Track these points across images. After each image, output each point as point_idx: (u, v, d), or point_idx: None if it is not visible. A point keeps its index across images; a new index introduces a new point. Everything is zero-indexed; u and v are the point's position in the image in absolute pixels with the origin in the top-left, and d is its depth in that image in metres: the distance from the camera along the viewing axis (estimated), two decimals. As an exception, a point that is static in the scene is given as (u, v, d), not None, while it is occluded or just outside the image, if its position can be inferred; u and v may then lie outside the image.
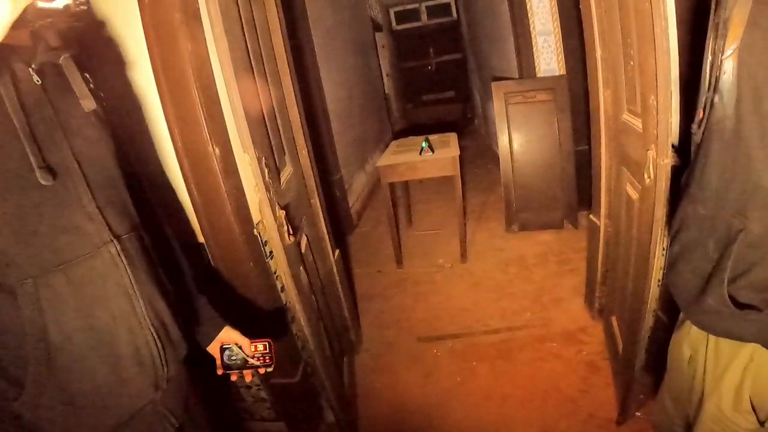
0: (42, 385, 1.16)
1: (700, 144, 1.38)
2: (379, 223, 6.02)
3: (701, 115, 1.36)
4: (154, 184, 2.24)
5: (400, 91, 12.22)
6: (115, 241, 1.26)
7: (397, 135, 6.19)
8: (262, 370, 1.63)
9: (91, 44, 1.98)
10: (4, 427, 1.19)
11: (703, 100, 1.33)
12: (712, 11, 1.25)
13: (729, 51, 1.19)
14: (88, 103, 1.29)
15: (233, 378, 1.67)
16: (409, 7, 11.95)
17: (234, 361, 1.61)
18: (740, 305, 1.26)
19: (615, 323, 2.90)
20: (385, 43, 11.11)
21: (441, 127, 5.63)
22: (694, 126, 1.39)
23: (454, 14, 11.89)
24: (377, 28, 10.23)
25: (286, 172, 2.60)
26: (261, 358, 1.61)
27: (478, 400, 2.95)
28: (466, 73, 11.93)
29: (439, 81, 12.85)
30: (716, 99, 1.26)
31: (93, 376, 1.23)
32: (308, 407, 2.88)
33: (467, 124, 11.31)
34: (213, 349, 1.65)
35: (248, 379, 1.72)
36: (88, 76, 1.33)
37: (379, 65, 10.07)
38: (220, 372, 1.64)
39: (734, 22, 1.18)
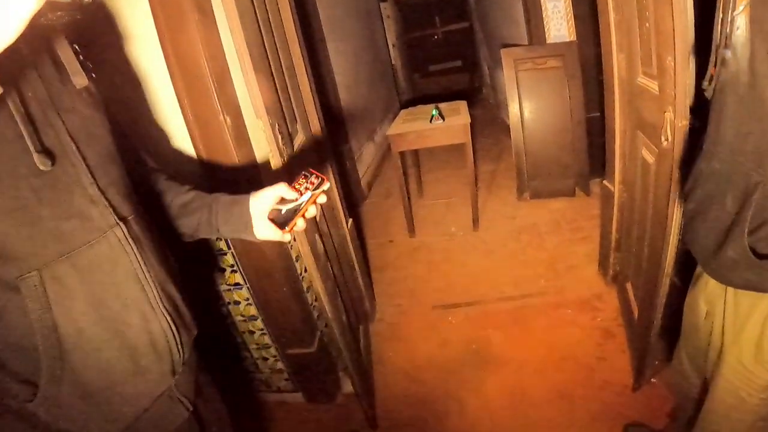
0: (57, 383, 1.11)
1: (712, 100, 1.38)
2: (389, 194, 6.02)
3: (713, 71, 1.35)
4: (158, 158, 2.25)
5: (406, 62, 12.12)
6: (121, 223, 1.19)
7: (405, 105, 6.16)
8: (322, 194, 1.39)
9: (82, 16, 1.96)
10: (21, 428, 1.14)
11: (714, 57, 1.33)
12: None
13: (741, 7, 1.19)
14: (80, 80, 1.21)
15: (301, 225, 1.41)
16: (415, -25, 11.84)
17: (288, 212, 1.37)
18: (760, 256, 1.26)
19: (630, 289, 2.90)
20: (391, 14, 10.99)
21: (449, 96, 5.59)
22: (705, 82, 1.39)
23: (461, -18, 11.77)
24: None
25: (299, 140, 2.58)
26: (310, 186, 1.37)
27: (493, 367, 2.96)
28: (474, 43, 11.82)
29: (446, 51, 12.77)
30: (728, 55, 1.25)
31: (109, 368, 1.18)
32: (325, 377, 2.90)
33: (475, 94, 11.23)
34: (264, 230, 1.42)
35: (316, 213, 1.43)
36: (77, 47, 1.25)
37: (385, 36, 10.00)
38: (286, 233, 1.39)
39: None
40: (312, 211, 1.39)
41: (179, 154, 2.25)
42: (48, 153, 1.06)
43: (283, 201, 1.38)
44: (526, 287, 3.63)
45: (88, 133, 1.19)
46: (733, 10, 1.22)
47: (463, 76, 12.31)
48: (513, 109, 4.76)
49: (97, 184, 1.16)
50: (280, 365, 2.88)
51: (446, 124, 4.26)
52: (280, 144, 2.14)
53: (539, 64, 4.62)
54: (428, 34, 12.74)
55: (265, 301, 2.61)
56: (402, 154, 4.63)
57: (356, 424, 2.79)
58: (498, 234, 4.50)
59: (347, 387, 2.92)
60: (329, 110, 5.15)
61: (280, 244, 2.49)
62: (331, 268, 2.76)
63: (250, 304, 2.65)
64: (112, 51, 2.07)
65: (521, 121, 4.77)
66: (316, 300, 2.73)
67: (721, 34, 1.29)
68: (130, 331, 1.20)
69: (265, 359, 2.87)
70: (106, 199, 1.18)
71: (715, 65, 1.35)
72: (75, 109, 1.17)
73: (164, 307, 1.27)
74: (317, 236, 2.54)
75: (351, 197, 5.49)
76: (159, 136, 2.23)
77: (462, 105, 4.82)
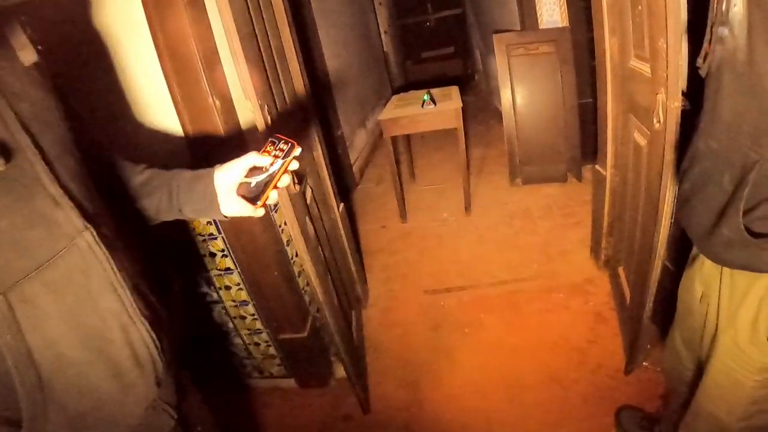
0: (41, 416, 0.99)
1: (708, 79, 1.37)
2: (381, 179, 6.01)
3: (708, 48, 1.35)
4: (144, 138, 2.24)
5: (398, 48, 12.07)
6: (89, 225, 1.04)
7: (397, 91, 6.14)
8: (294, 161, 1.27)
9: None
10: None
11: (709, 35, 1.33)
12: None
13: None
14: (29, 55, 1.08)
15: (274, 197, 1.29)
16: (406, -39, 11.77)
17: (259, 185, 1.26)
18: (756, 235, 1.26)
19: (622, 273, 2.91)
20: (383, 1, 10.97)
21: (441, 83, 5.57)
22: (699, 60, 1.38)
23: (453, -32, 11.73)
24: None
25: (290, 123, 2.57)
26: (279, 153, 1.26)
27: (487, 351, 2.98)
28: (466, 29, 11.77)
29: (438, 37, 12.70)
30: (725, 32, 1.25)
31: (94, 390, 1.06)
32: (318, 362, 2.90)
33: (468, 80, 11.21)
34: (232, 206, 1.31)
35: (291, 186, 1.42)
36: (24, 20, 1.14)
37: (377, 22, 9.96)
38: (259, 208, 1.28)
39: None
40: (285, 181, 1.28)
41: (166, 135, 2.24)
42: (2, 150, 0.92)
43: (252, 172, 1.27)
44: (519, 272, 3.64)
45: (43, 121, 1.04)
46: (731, -12, 1.22)
47: (456, 62, 12.27)
48: (505, 95, 4.75)
49: (59, 181, 1.01)
50: (272, 351, 2.88)
51: (438, 109, 4.25)
52: (269, 124, 2.13)
53: (531, 50, 4.61)
54: (420, 21, 12.67)
55: (257, 285, 2.61)
56: (394, 139, 4.63)
57: (349, 408, 2.79)
58: (490, 219, 4.50)
59: (340, 372, 2.92)
60: (320, 96, 5.13)
61: (270, 228, 2.49)
62: (323, 253, 2.75)
63: (241, 289, 2.65)
64: (76, 27, 2.05)
65: (513, 107, 4.77)
66: (307, 285, 2.73)
67: (717, 11, 1.29)
68: (112, 347, 1.08)
69: (257, 345, 2.87)
70: (70, 197, 1.02)
71: (710, 43, 1.34)
72: (25, 93, 1.03)
73: (143, 314, 1.14)
74: (308, 219, 2.53)
75: (343, 183, 5.48)
76: (141, 119, 2.23)
77: (454, 90, 4.81)
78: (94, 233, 1.05)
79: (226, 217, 1.34)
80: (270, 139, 1.29)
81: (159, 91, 2.14)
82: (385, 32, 10.67)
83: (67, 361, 1.01)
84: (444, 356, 3.00)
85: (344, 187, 5.53)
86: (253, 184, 1.26)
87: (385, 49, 10.36)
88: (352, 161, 5.97)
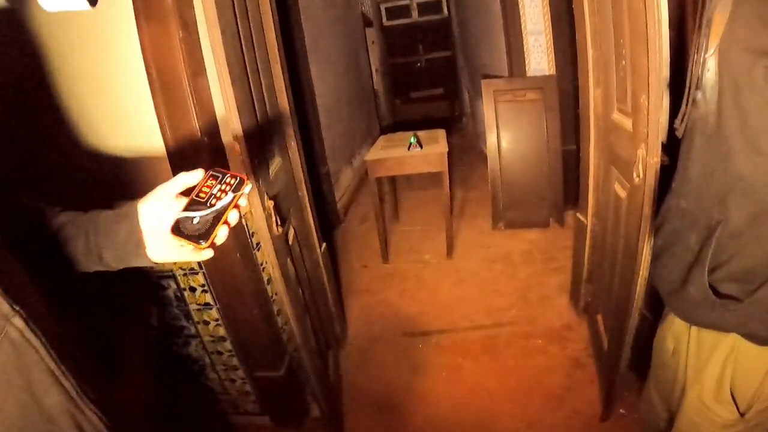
0: None
1: (682, 140, 1.42)
2: (365, 218, 5.99)
3: (684, 111, 1.39)
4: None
5: (389, 87, 12.18)
6: (19, 309, 0.82)
7: (385, 130, 6.16)
8: (243, 197, 1.08)
9: None
10: None
11: (687, 97, 1.37)
12: (699, 11, 1.28)
13: (712, 49, 1.25)
14: None
15: (223, 235, 1.05)
16: (400, 3, 11.89)
17: (205, 221, 1.03)
18: (721, 295, 1.29)
19: (600, 321, 2.92)
20: (375, 39, 11.07)
21: (429, 123, 5.62)
22: (677, 121, 1.42)
23: (445, 12, 11.85)
24: (368, 23, 10.20)
25: (276, 163, 2.59)
26: (227, 187, 1.07)
27: (463, 395, 2.97)
28: (456, 71, 11.90)
29: (428, 78, 12.82)
30: (699, 96, 1.30)
31: None
32: (293, 401, 2.88)
33: (455, 122, 11.29)
34: (162, 251, 1.08)
35: (239, 216, 1.08)
36: None
37: (369, 61, 10.05)
38: (206, 249, 1.03)
39: (716, 20, 1.24)
40: (234, 217, 1.06)
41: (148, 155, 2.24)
42: None
43: (192, 207, 1.04)
44: (498, 316, 3.64)
45: None
46: (705, 52, 1.27)
47: (444, 103, 12.37)
48: (491, 139, 4.79)
49: None
50: (247, 387, 2.85)
51: (424, 152, 4.30)
52: (255, 166, 2.14)
53: (518, 96, 4.68)
54: (411, 61, 12.79)
55: (235, 322, 2.60)
56: (379, 179, 4.65)
57: (323, 449, 2.76)
58: (472, 263, 4.51)
59: (316, 411, 2.89)
60: (308, 132, 5.16)
61: (252, 265, 2.48)
62: (302, 292, 2.75)
63: (219, 325, 2.63)
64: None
65: (498, 152, 4.81)
66: (286, 323, 2.72)
67: (693, 75, 1.33)
68: None
69: (233, 381, 2.85)
70: None
71: (687, 105, 1.38)
72: None
73: (90, 397, 0.93)
74: (289, 260, 2.54)
75: (326, 221, 5.48)
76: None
77: (441, 133, 4.87)
78: (25, 316, 0.83)
79: (155, 263, 1.10)
80: (210, 173, 1.08)
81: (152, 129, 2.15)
82: (377, 71, 10.77)
83: None
84: (420, 399, 2.99)
85: (328, 225, 5.52)
86: (196, 220, 1.03)
87: (375, 87, 10.43)
88: (337, 199, 5.98)
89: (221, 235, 1.03)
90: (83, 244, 1.09)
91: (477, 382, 3.04)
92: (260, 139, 2.36)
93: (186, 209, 1.03)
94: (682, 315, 1.47)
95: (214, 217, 1.03)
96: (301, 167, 2.98)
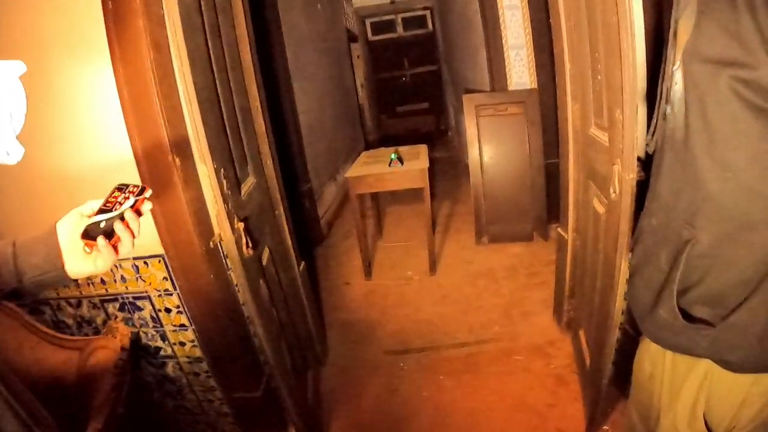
0: None
1: (654, 156, 1.39)
2: (349, 235, 5.95)
3: (654, 126, 1.37)
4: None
5: (374, 102, 12.22)
6: None
7: (370, 145, 6.15)
8: (146, 202, 1.21)
9: None
10: None
11: (656, 112, 1.35)
12: (671, 23, 1.26)
13: (678, 61, 1.21)
14: None
15: (127, 240, 1.17)
16: (385, 18, 11.96)
17: (109, 224, 1.14)
18: (693, 319, 1.25)
19: (583, 337, 2.89)
20: (361, 54, 11.10)
21: (414, 138, 5.63)
22: (648, 137, 1.40)
23: (430, 26, 11.93)
24: (353, 38, 10.23)
25: (249, 183, 2.56)
26: (130, 195, 1.19)
27: (444, 414, 2.92)
28: (441, 85, 11.94)
29: (413, 92, 12.87)
30: (668, 110, 1.27)
31: None
32: (272, 422, 2.83)
33: (441, 136, 11.34)
34: (78, 264, 1.14)
35: (137, 225, 1.19)
36: None
37: (354, 75, 10.07)
38: (108, 254, 1.14)
39: (681, 31, 1.20)
40: (131, 216, 1.17)
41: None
42: None
43: (98, 214, 1.15)
44: (480, 333, 3.60)
45: None
46: (673, 64, 1.24)
47: (430, 118, 12.43)
48: (473, 154, 4.78)
49: None
50: (225, 409, 2.80)
51: (405, 169, 4.27)
52: (225, 189, 2.12)
53: (500, 111, 4.67)
54: (397, 76, 12.84)
55: (210, 343, 2.55)
56: (361, 196, 4.62)
57: (302, 472, 2.71)
58: (454, 279, 4.48)
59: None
60: (290, 149, 5.13)
61: (226, 287, 2.44)
62: (277, 313, 2.72)
63: (195, 346, 2.58)
64: None
65: (481, 166, 4.80)
66: (261, 345, 2.68)
67: (663, 88, 1.30)
68: None
69: (211, 401, 2.79)
70: None
71: (657, 120, 1.36)
72: None
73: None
74: (262, 282, 2.50)
75: (309, 237, 5.47)
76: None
77: (422, 149, 4.85)
78: None
79: (71, 279, 1.16)
80: (116, 187, 1.21)
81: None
82: (362, 86, 10.80)
83: None
84: (401, 419, 2.94)
85: (311, 242, 5.50)
86: (103, 224, 1.14)
87: (360, 103, 10.46)
88: (320, 215, 5.96)
89: (125, 239, 1.15)
90: (2, 262, 1.11)
91: (458, 401, 2.99)
92: (230, 160, 2.34)
93: (93, 216, 1.15)
94: (653, 338, 1.44)
95: (118, 219, 1.15)
96: (278, 186, 2.96)
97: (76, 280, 1.31)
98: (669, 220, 1.30)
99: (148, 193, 1.20)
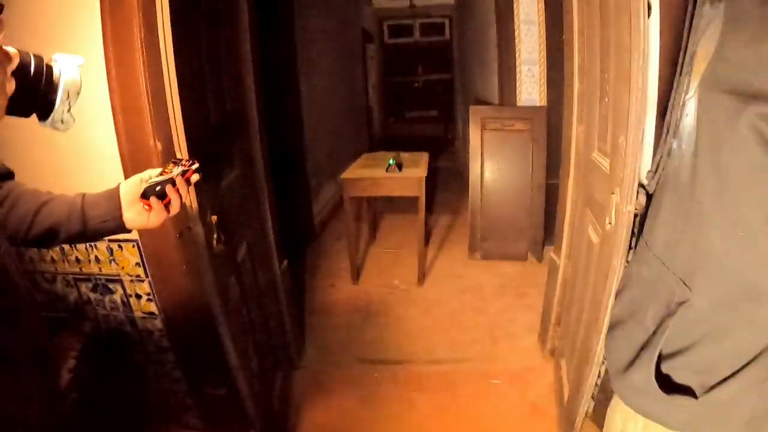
0: None
1: (653, 196, 1.26)
2: (341, 236, 5.82)
3: (657, 162, 1.23)
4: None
5: (384, 105, 12.17)
6: None
7: (375, 148, 6.05)
8: (195, 173, 1.44)
9: None
10: None
11: (661, 146, 1.21)
12: (684, 43, 1.13)
13: (692, 90, 1.06)
14: None
15: (176, 201, 1.40)
16: (403, 22, 11.88)
17: (162, 185, 1.36)
18: (672, 387, 1.12)
19: (564, 367, 2.79)
20: (375, 56, 11.04)
21: (420, 145, 5.52)
22: (648, 173, 1.26)
23: (447, 35, 11.83)
24: (369, 39, 10.16)
25: (230, 176, 2.48)
26: (181, 166, 1.43)
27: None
28: (452, 94, 11.85)
29: (424, 99, 12.80)
30: (675, 145, 1.13)
31: None
32: (236, 419, 2.73)
33: (447, 145, 11.25)
34: (135, 216, 1.38)
35: (187, 190, 1.43)
36: None
37: (365, 76, 9.99)
38: (158, 211, 1.37)
39: (699, 55, 1.05)
40: (181, 182, 1.39)
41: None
42: None
43: (154, 178, 1.39)
44: (460, 351, 3.51)
45: None
46: (686, 93, 1.11)
47: (438, 126, 12.35)
48: (474, 167, 4.70)
49: None
50: (189, 401, 2.73)
51: (401, 175, 4.20)
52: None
53: (507, 126, 4.59)
54: (409, 81, 12.77)
55: (178, 335, 2.48)
56: (356, 198, 4.54)
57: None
58: (441, 292, 4.39)
59: (257, 433, 2.76)
60: (290, 143, 5.04)
61: (199, 279, 2.35)
62: (248, 312, 2.64)
63: (163, 336, 2.51)
64: None
65: (481, 180, 4.72)
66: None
67: (672, 119, 1.17)
68: None
69: (176, 394, 2.72)
70: None
71: (661, 156, 1.23)
72: None
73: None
74: (233, 279, 2.43)
75: (300, 235, 5.36)
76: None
77: (424, 157, 4.78)
78: None
79: (127, 226, 1.39)
80: (172, 161, 1.46)
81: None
82: (373, 87, 10.74)
83: None
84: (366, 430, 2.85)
85: (302, 240, 5.41)
86: (158, 188, 1.36)
87: (370, 104, 10.38)
88: (315, 213, 5.87)
89: (171, 194, 1.37)
90: (66, 211, 1.35)
91: (428, 421, 2.89)
92: (211, 148, 2.27)
93: (150, 180, 1.37)
94: (626, 401, 1.27)
95: (169, 183, 1.37)
96: (266, 180, 2.87)
97: (130, 231, 1.45)
98: (662, 274, 1.15)
99: (195, 165, 1.44)
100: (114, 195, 1.37)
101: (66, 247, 2.36)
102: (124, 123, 2.01)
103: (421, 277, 4.54)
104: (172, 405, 2.77)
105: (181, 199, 1.40)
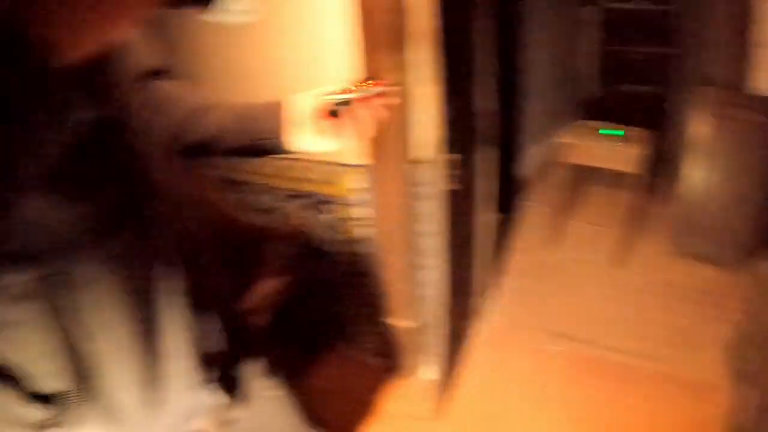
0: None
1: None
2: (541, 201, 5.61)
3: None
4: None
5: (597, 73, 11.75)
6: None
7: (589, 117, 5.88)
8: (387, 97, 1.20)
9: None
10: None
11: None
12: None
13: None
14: None
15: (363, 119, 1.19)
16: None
17: (338, 110, 1.18)
18: None
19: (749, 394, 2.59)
20: (593, 20, 10.63)
21: (633, 120, 5.27)
22: None
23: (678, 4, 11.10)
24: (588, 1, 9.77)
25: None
26: (368, 88, 1.18)
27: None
28: (679, 71, 11.17)
29: (643, 72, 12.16)
30: None
31: None
32: (416, 356, 2.84)
33: (662, 126, 10.70)
34: (296, 139, 1.24)
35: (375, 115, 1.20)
36: None
37: (576, 42, 9.66)
38: (339, 131, 1.21)
39: None
40: (363, 114, 1.18)
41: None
42: None
43: (334, 96, 1.20)
44: (641, 347, 3.39)
45: None
46: None
47: (656, 104, 11.74)
48: (694, 155, 4.41)
49: None
50: (376, 330, 2.87)
51: (620, 149, 4.19)
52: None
53: (740, 116, 4.21)
54: (629, 51, 12.18)
55: (380, 263, 2.60)
56: (566, 165, 4.55)
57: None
58: (637, 279, 4.23)
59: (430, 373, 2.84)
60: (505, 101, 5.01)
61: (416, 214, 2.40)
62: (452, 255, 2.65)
63: (366, 262, 2.64)
64: None
65: (698, 172, 4.39)
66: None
67: None
68: None
69: (364, 320, 2.90)
70: None
71: None
72: None
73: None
74: (449, 220, 2.47)
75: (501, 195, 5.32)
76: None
77: (642, 133, 4.59)
78: None
79: (286, 149, 1.27)
80: (363, 78, 1.35)
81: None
82: (589, 54, 10.38)
83: None
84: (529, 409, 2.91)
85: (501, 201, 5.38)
86: (337, 106, 1.19)
87: (583, 71, 10.07)
88: (519, 175, 5.87)
89: (344, 117, 1.18)
90: (238, 129, 1.26)
91: (598, 407, 2.89)
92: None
93: (327, 96, 1.19)
94: None
95: (348, 103, 1.17)
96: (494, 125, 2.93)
97: (291, 152, 1.30)
98: None
99: (380, 89, 1.18)
100: (276, 110, 1.23)
101: (283, 161, 2.42)
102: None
103: (618, 260, 4.39)
104: (358, 332, 2.92)
105: (355, 125, 1.19)
